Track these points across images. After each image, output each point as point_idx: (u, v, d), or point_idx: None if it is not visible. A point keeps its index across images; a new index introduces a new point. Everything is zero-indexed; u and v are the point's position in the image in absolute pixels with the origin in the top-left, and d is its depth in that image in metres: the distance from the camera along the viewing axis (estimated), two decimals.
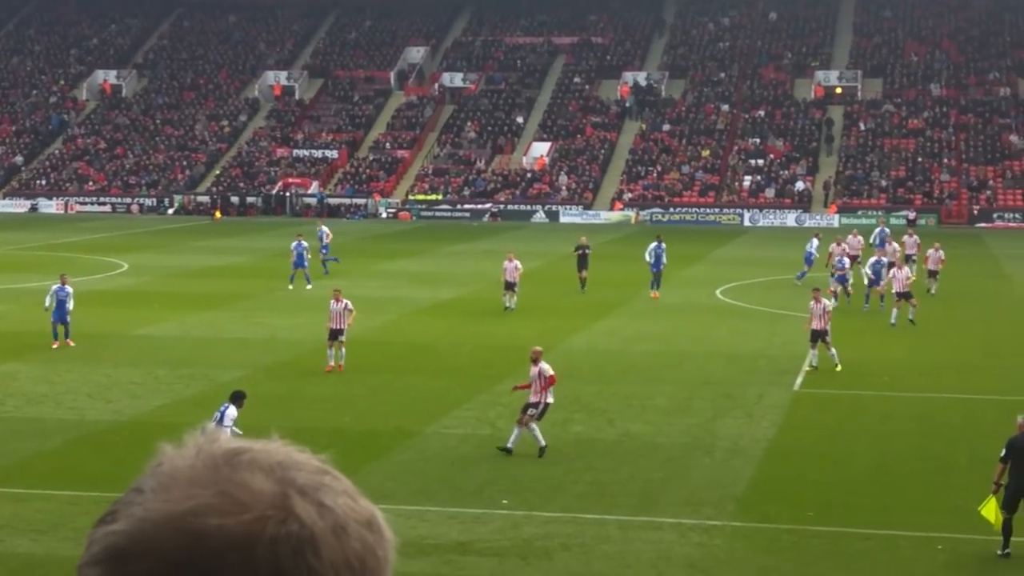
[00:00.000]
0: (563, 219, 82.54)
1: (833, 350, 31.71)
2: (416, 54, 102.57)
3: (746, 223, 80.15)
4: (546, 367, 24.20)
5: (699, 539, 19.33)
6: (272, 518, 1.51)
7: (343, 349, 31.56)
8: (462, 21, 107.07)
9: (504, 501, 20.99)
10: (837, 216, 79.11)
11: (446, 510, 20.62)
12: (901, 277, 38.94)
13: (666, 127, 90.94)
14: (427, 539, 19.26)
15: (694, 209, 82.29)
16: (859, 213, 79.41)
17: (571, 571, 18.25)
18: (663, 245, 45.71)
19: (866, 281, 42.51)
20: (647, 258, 45.71)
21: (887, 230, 54.63)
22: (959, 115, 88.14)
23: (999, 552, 18.22)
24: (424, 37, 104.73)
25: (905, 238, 50.09)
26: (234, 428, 21.37)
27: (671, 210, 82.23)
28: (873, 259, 43.23)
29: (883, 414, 27.42)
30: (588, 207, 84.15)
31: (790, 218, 79.94)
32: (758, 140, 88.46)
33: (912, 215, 78.43)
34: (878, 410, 27.82)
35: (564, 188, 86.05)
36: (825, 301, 32.66)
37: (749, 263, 56.29)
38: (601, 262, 50.39)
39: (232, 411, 22.00)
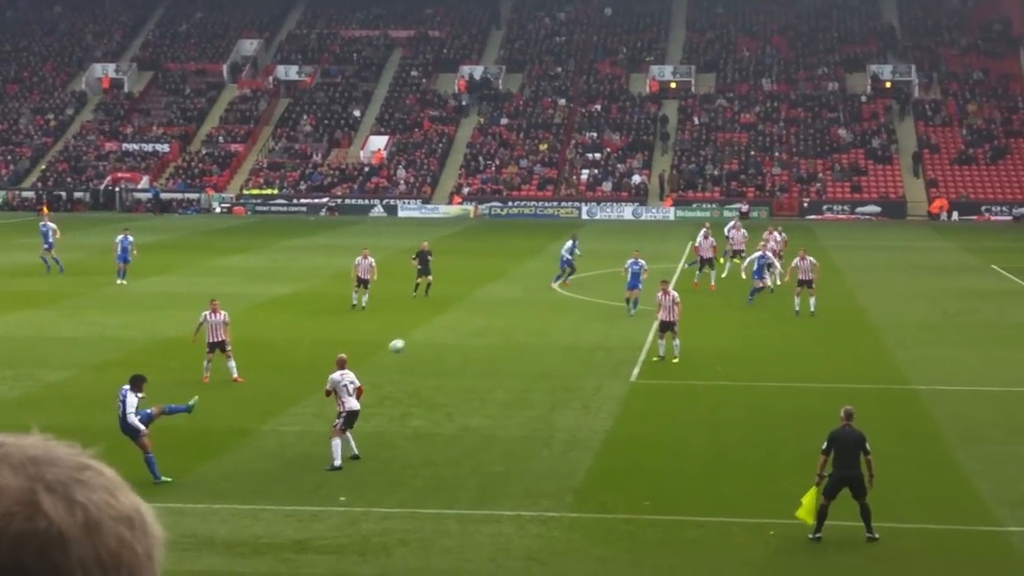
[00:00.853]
0: (401, 213, 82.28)
1: (677, 341, 32.16)
2: (249, 46, 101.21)
3: (584, 216, 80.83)
4: (351, 376, 23.09)
5: (537, 531, 19.36)
6: (18, 515, 1.47)
7: (232, 361, 29.30)
8: (296, 13, 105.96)
9: (342, 498, 20.75)
10: (673, 209, 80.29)
11: (282, 508, 20.31)
12: (805, 266, 39.84)
13: (504, 121, 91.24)
14: (263, 538, 18.95)
15: (532, 203, 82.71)
16: (694, 206, 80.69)
17: (409, 566, 18.11)
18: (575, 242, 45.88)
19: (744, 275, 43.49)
20: (564, 255, 46.15)
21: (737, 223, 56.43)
22: (789, 109, 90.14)
23: (811, 536, 18.58)
24: (257, 29, 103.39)
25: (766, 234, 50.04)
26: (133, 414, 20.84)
27: (510, 204, 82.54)
28: (757, 254, 43.59)
29: (716, 403, 27.83)
30: (427, 201, 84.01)
31: (627, 211, 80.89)
32: (595, 134, 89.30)
33: (745, 207, 79.98)
34: (711, 399, 28.23)
35: (402, 182, 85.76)
36: (673, 293, 32.99)
37: (587, 256, 56.67)
38: (441, 257, 50.21)
39: (132, 398, 21.18)
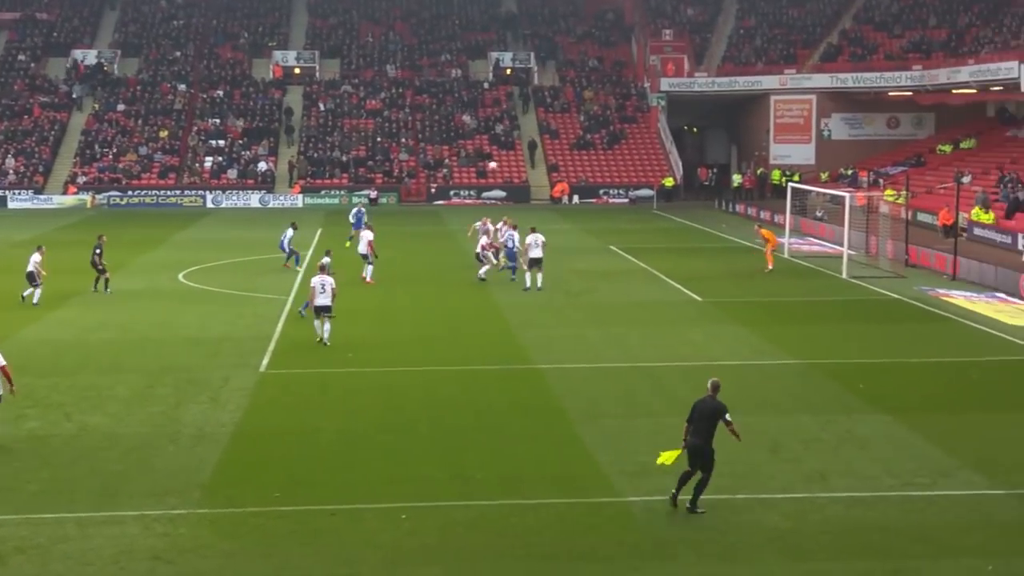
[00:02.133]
0: (12, 204, 78.40)
1: (328, 325, 32.16)
2: None
3: (209, 204, 79.19)
4: None
5: (164, 529, 18.68)
6: None
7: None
8: None
9: None
10: (301, 196, 79.73)
11: None
12: (536, 242, 41.83)
13: (121, 107, 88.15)
14: None
15: (154, 192, 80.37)
16: (323, 193, 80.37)
17: (27, 575, 17.13)
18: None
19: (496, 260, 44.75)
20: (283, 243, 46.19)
21: (363, 211, 56.74)
22: (415, 96, 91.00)
23: (671, 495, 19.47)
24: None
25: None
26: None
27: (130, 193, 79.91)
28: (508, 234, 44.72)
29: (348, 389, 27.69)
30: (39, 191, 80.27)
31: (254, 199, 79.75)
32: (218, 120, 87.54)
33: (374, 194, 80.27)
34: (343, 386, 28.07)
35: (12, 172, 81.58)
36: (328, 278, 32.65)
37: (213, 246, 55.54)
38: (57, 249, 48.03)
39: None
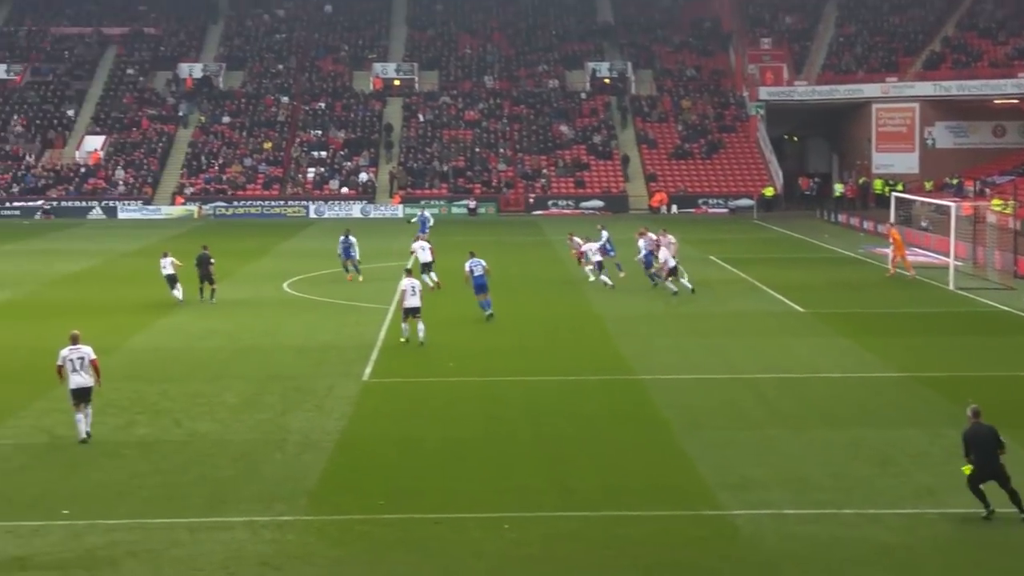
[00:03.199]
0: (121, 215, 79.93)
1: (421, 325, 33.37)
2: None
3: (312, 215, 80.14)
4: (84, 350, 24.06)
5: (271, 536, 18.97)
6: None
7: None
8: (3, 11, 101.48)
9: (64, 511, 19.90)
10: (401, 206, 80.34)
11: (1, 524, 19.34)
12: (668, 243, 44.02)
13: (226, 119, 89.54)
14: None
15: (259, 202, 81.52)
16: (422, 203, 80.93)
17: None
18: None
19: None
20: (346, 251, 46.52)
21: (428, 216, 60.48)
22: (512, 106, 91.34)
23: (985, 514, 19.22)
24: None
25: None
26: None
27: (235, 204, 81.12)
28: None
29: (450, 399, 27.89)
30: (148, 202, 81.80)
31: (355, 209, 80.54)
32: (320, 132, 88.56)
33: (473, 204, 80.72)
34: (445, 395, 28.27)
35: (121, 183, 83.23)
36: (416, 281, 33.89)
37: (316, 255, 56.18)
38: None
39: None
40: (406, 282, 33.67)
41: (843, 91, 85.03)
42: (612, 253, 47.62)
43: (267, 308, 41.12)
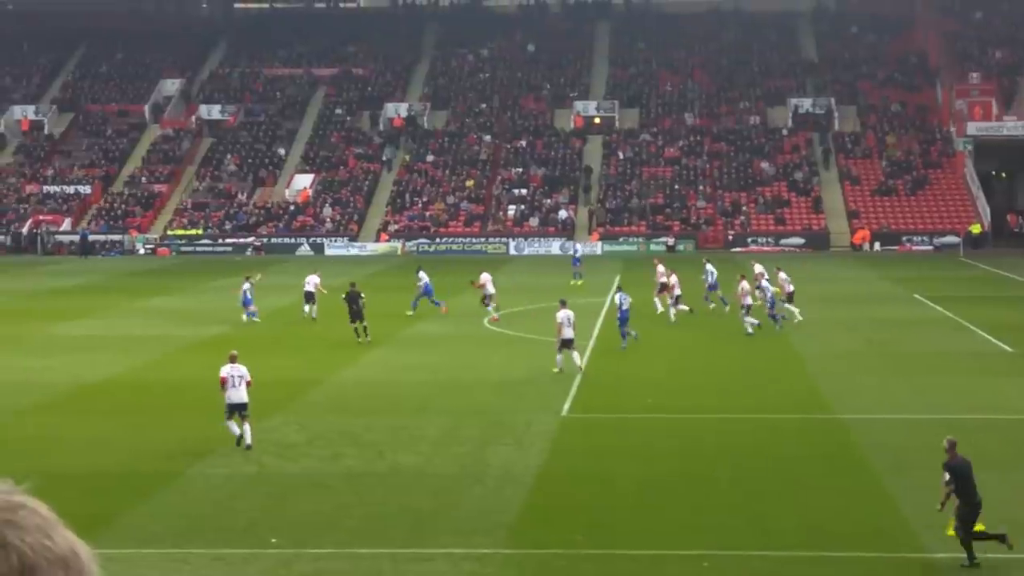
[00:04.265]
0: (328, 251, 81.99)
1: (575, 355, 34.74)
2: (171, 86, 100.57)
3: (512, 252, 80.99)
4: (241, 369, 26.87)
5: (471, 568, 19.27)
6: None
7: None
8: (218, 53, 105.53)
9: (273, 540, 20.55)
10: (600, 243, 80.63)
11: (212, 551, 20.08)
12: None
13: (430, 158, 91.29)
14: None
15: (460, 239, 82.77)
16: (621, 240, 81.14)
17: None
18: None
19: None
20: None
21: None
22: (712, 143, 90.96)
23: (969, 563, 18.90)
24: (179, 69, 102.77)
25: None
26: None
27: (437, 240, 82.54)
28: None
29: (647, 435, 27.91)
30: (354, 239, 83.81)
31: (555, 246, 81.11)
32: (521, 170, 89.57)
33: (671, 241, 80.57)
34: (642, 431, 28.31)
35: (328, 220, 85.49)
36: (569, 312, 35.13)
37: (515, 291, 56.76)
38: (368, 294, 50.03)
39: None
40: (561, 314, 35.04)
41: None
42: (714, 287, 48.25)
43: (468, 343, 41.74)
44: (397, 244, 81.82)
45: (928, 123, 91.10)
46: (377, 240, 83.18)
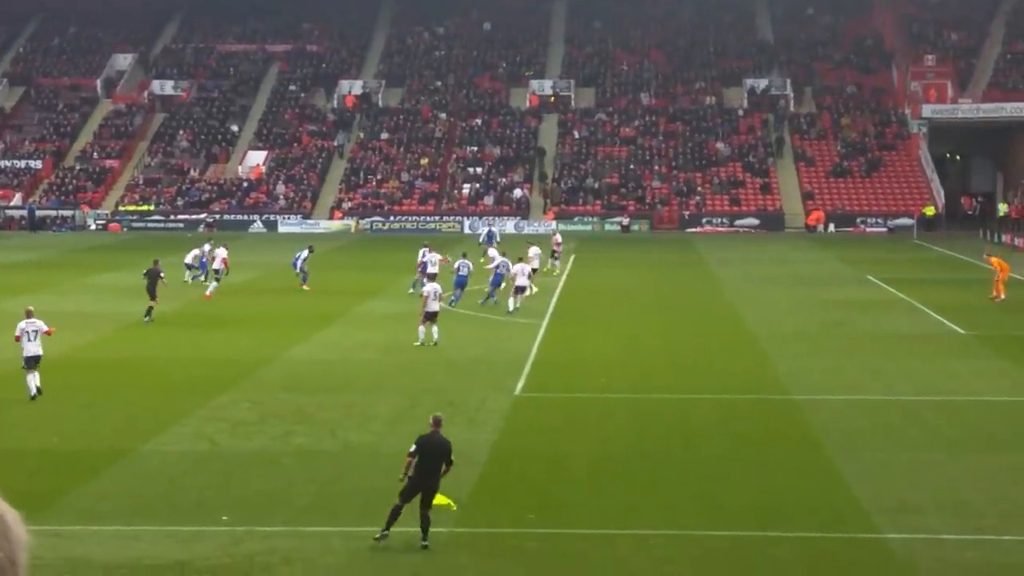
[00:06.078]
0: (282, 229, 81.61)
1: (436, 328, 35.64)
2: (124, 61, 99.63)
3: (466, 230, 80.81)
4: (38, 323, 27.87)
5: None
6: None
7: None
8: (171, 28, 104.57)
9: (224, 517, 20.38)
10: (555, 222, 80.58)
11: (163, 529, 19.89)
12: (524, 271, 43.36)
13: (384, 135, 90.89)
14: (144, 559, 18.54)
15: (414, 217, 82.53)
16: (576, 219, 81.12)
17: None
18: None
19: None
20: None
21: (495, 232, 63.42)
22: (668, 123, 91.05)
23: (377, 537, 18.79)
24: (132, 44, 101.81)
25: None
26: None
27: (391, 218, 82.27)
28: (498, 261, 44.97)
29: (600, 415, 27.90)
30: (307, 216, 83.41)
31: (509, 225, 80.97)
32: (476, 148, 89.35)
33: (626, 221, 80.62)
34: (596, 411, 28.29)
35: (282, 197, 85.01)
36: (436, 286, 36.81)
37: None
38: (321, 272, 49.86)
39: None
40: (429, 287, 36.11)
41: (1010, 109, 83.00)
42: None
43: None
44: (351, 222, 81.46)
45: (883, 105, 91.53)
46: (331, 218, 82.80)
